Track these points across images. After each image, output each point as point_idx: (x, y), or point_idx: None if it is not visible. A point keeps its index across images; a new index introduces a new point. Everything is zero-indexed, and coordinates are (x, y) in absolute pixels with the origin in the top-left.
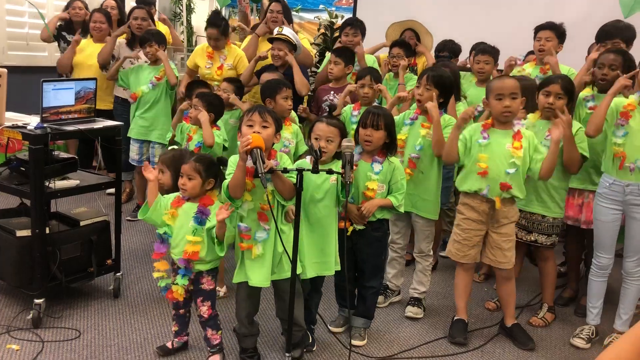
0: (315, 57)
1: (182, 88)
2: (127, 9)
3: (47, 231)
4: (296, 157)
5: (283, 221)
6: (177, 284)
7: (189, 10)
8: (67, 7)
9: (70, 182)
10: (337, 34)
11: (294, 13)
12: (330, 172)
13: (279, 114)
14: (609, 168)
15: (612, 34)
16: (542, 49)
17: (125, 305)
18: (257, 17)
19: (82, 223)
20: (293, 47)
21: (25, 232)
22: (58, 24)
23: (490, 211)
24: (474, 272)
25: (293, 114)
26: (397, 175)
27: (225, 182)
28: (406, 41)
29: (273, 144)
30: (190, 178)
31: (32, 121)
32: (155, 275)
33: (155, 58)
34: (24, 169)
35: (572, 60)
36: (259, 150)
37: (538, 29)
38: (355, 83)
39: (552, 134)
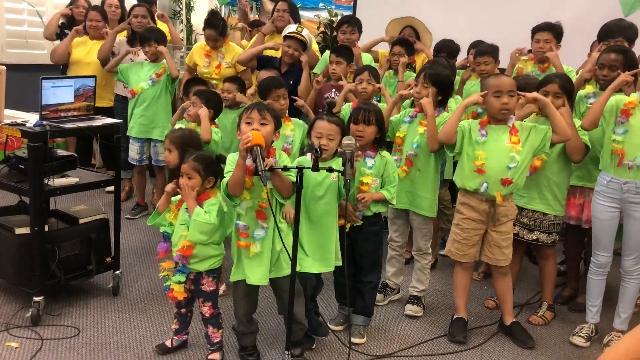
0: None
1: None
2: (127, 6)
3: (46, 229)
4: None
5: (281, 220)
6: (175, 282)
7: (189, 8)
8: (71, 4)
9: (70, 180)
10: (336, 32)
11: None
12: (330, 170)
13: None
14: (607, 165)
15: (615, 33)
16: (540, 51)
17: (125, 303)
18: (256, 15)
19: (81, 221)
20: (304, 47)
21: (25, 230)
22: (61, 21)
23: (491, 210)
24: (473, 271)
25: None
26: (389, 169)
27: (224, 180)
28: (408, 39)
29: (272, 141)
30: (190, 177)
31: (31, 119)
32: (161, 274)
33: (155, 57)
34: (23, 167)
35: (571, 59)
36: (259, 147)
37: (535, 30)
38: (354, 80)
39: (538, 103)
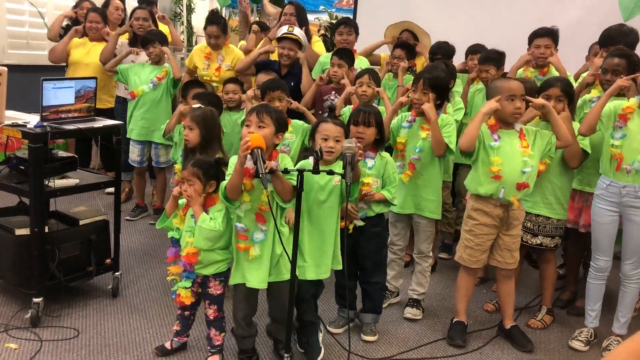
0: None
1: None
2: (127, 7)
3: (46, 230)
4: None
5: (283, 224)
6: (182, 287)
7: (189, 10)
8: (75, 6)
9: (70, 181)
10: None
11: None
12: (330, 173)
13: None
14: (606, 169)
15: (615, 39)
16: (541, 57)
17: (124, 304)
18: (257, 18)
19: (81, 222)
20: (299, 46)
21: (24, 231)
22: (65, 23)
23: (504, 215)
24: None
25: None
26: (389, 169)
27: (223, 184)
28: (409, 43)
29: (275, 145)
30: (191, 183)
31: (32, 120)
32: (169, 278)
33: (158, 59)
34: (23, 168)
35: (571, 63)
36: (259, 150)
37: (534, 36)
38: (354, 84)
39: (534, 105)
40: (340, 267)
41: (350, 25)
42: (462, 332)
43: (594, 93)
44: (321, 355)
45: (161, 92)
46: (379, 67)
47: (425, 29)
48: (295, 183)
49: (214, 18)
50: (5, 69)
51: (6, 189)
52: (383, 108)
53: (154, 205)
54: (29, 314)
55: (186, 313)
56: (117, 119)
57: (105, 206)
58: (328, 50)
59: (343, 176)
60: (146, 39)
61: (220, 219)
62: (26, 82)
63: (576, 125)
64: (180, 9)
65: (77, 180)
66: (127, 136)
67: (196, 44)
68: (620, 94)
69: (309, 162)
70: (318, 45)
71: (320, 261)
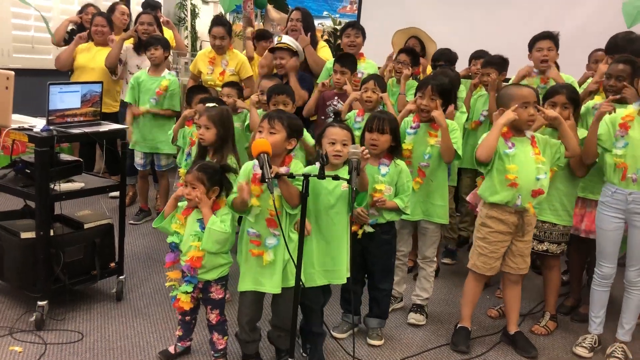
0: None
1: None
2: (132, 12)
3: (51, 233)
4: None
5: (293, 230)
6: (183, 292)
7: (194, 15)
8: (81, 12)
9: (75, 185)
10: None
11: None
12: (336, 178)
13: None
14: (611, 178)
15: (622, 47)
16: (545, 59)
17: (128, 308)
18: (261, 23)
19: (86, 226)
20: (295, 54)
21: (30, 234)
22: (70, 27)
23: (519, 221)
24: None
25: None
26: (404, 178)
27: (231, 197)
28: (414, 49)
29: (289, 150)
30: (194, 187)
31: (38, 124)
32: (168, 284)
33: (158, 62)
34: (29, 171)
35: (574, 69)
36: (265, 155)
37: (536, 39)
38: (360, 89)
39: (546, 116)
40: (348, 275)
41: (357, 28)
42: (465, 337)
43: (597, 99)
44: None
45: (163, 105)
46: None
47: (429, 35)
48: (301, 188)
49: (219, 20)
50: (13, 73)
51: (12, 193)
52: None
53: (158, 209)
54: (34, 317)
55: (187, 318)
56: (121, 122)
57: (109, 210)
58: (333, 55)
59: (349, 181)
60: (148, 43)
61: (229, 222)
62: (31, 86)
63: (582, 132)
64: (184, 14)
65: (82, 184)
66: (131, 147)
67: (200, 49)
68: (622, 101)
69: (315, 167)
70: (324, 51)
71: (331, 267)
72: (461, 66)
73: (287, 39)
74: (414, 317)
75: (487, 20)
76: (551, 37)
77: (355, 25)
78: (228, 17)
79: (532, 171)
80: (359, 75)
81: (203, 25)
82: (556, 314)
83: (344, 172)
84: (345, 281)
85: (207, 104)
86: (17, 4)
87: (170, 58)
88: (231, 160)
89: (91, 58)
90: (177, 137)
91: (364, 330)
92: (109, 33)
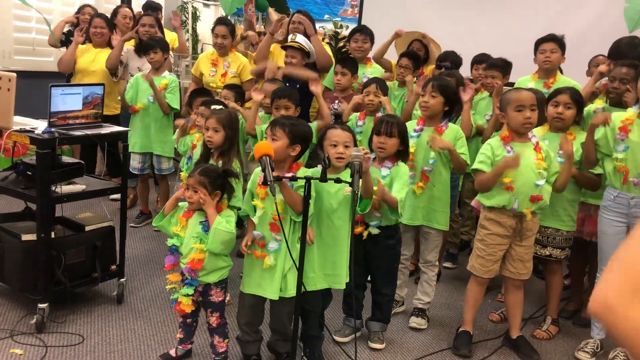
0: None
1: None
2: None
3: (52, 235)
4: None
5: (298, 240)
6: (184, 294)
7: (195, 18)
8: (77, 12)
9: (77, 187)
10: (341, 44)
11: None
12: (338, 181)
13: None
14: (612, 182)
15: (625, 53)
16: (547, 61)
17: (129, 311)
18: (262, 26)
19: (87, 228)
20: (306, 54)
21: (31, 236)
22: (66, 29)
23: (518, 225)
24: None
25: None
26: (400, 171)
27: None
28: (416, 53)
29: (293, 157)
30: (196, 191)
31: (40, 126)
32: (168, 287)
33: (158, 65)
34: (30, 174)
35: (577, 73)
36: (268, 157)
37: (540, 41)
38: (362, 93)
39: (563, 149)
40: (348, 280)
41: (366, 33)
42: (467, 342)
43: (598, 103)
44: None
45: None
46: (389, 73)
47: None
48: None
49: (222, 19)
50: (14, 74)
51: (13, 195)
52: None
53: (158, 212)
54: (34, 319)
55: (188, 321)
56: (122, 125)
57: (110, 212)
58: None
59: (351, 184)
60: (148, 45)
61: (233, 222)
62: (31, 88)
63: (583, 135)
64: (185, 16)
65: (83, 186)
66: (130, 150)
67: (202, 51)
68: (623, 104)
69: (317, 170)
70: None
71: (332, 271)
72: (463, 69)
73: (301, 39)
74: (415, 321)
75: (489, 25)
76: (555, 40)
77: (363, 30)
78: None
79: (530, 176)
80: (364, 79)
81: (204, 28)
82: (558, 318)
83: (346, 175)
84: (344, 286)
85: (214, 107)
86: (18, 6)
87: (171, 59)
88: (235, 164)
89: (91, 60)
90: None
91: (366, 335)
92: (109, 34)
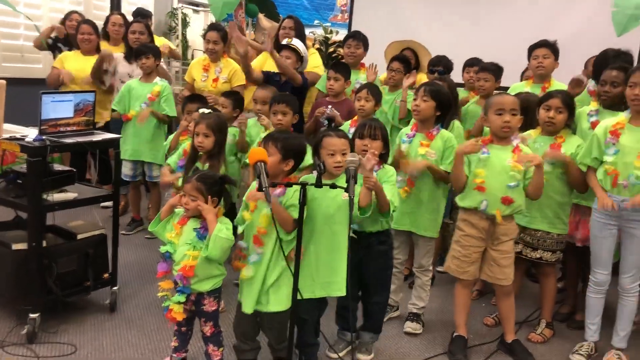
0: None
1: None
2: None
3: (44, 244)
4: None
5: (282, 257)
6: (175, 302)
7: (184, 24)
8: (64, 19)
9: (68, 195)
10: (332, 49)
11: None
12: (333, 186)
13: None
14: (603, 185)
15: (610, 64)
16: (540, 67)
17: (122, 319)
18: (252, 32)
19: (79, 236)
20: (300, 58)
21: (22, 246)
22: (54, 34)
23: (490, 228)
24: None
25: None
26: (388, 172)
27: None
28: (406, 57)
29: (287, 171)
30: (193, 198)
31: (30, 133)
32: (160, 294)
33: (149, 70)
34: (20, 182)
35: (566, 77)
36: (262, 164)
37: (533, 47)
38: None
39: (549, 156)
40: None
41: (359, 39)
42: (463, 346)
43: (593, 105)
44: None
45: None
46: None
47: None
48: (295, 216)
49: (214, 25)
50: (4, 82)
51: (3, 203)
52: None
53: (150, 220)
54: (25, 329)
55: (183, 329)
56: (113, 132)
57: (101, 220)
58: (324, 62)
59: (346, 190)
60: (139, 51)
61: (231, 230)
62: (20, 95)
63: (576, 139)
64: (175, 22)
65: (75, 194)
66: (122, 157)
67: (192, 58)
68: (617, 107)
69: (313, 176)
70: (314, 57)
71: (331, 278)
72: (454, 74)
73: (298, 43)
74: (410, 326)
75: (480, 30)
76: (547, 45)
77: (356, 36)
78: None
79: (503, 178)
80: (357, 85)
81: (194, 34)
82: (552, 321)
83: (342, 181)
84: (345, 293)
85: (201, 110)
86: (5, 12)
87: (163, 65)
88: (222, 169)
89: (80, 68)
90: (174, 147)
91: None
92: (97, 40)
